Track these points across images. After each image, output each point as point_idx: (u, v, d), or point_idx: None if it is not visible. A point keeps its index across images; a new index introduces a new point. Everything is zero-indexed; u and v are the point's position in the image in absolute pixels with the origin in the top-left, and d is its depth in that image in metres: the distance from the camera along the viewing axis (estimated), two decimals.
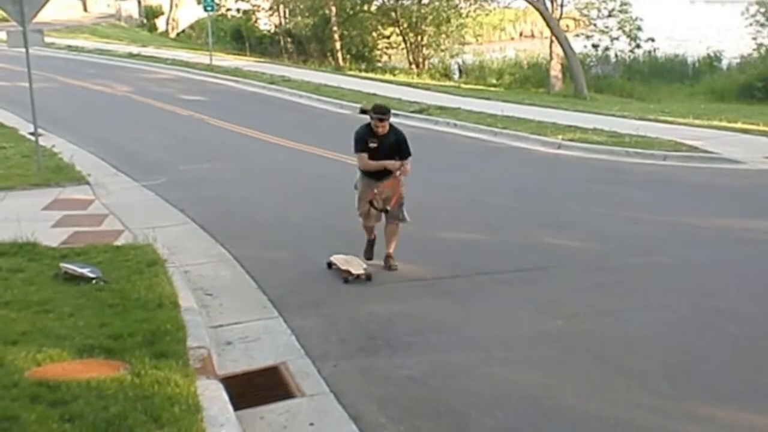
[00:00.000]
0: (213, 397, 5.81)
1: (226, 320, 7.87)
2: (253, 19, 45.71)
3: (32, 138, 15.36)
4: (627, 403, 6.14)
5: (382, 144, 9.34)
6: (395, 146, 9.40)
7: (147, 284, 8.19)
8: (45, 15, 42.81)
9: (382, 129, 9.29)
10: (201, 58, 35.20)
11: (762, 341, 7.31)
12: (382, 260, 9.52)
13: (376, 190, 9.41)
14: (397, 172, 9.35)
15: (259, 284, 8.93)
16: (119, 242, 10.25)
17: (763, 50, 35.79)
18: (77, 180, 14.10)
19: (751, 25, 35.83)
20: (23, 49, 14.23)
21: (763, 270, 9.48)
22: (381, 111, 9.42)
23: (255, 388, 6.34)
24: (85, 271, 8.44)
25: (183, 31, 53.94)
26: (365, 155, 9.39)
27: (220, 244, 10.51)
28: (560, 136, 18.09)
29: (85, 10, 59.89)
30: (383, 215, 9.58)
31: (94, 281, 8.29)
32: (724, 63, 38.31)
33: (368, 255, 9.72)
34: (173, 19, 54.12)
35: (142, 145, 17.76)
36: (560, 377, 6.57)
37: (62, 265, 8.65)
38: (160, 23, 55.22)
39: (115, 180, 14.45)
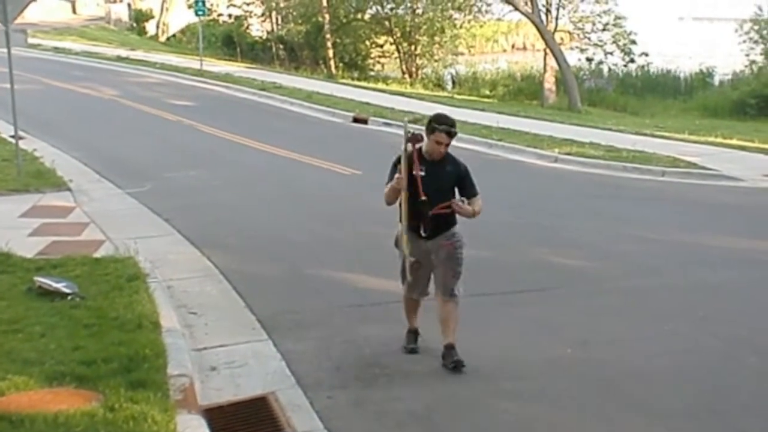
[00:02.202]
0: None
1: (211, 342, 7.32)
2: (245, 25, 45.18)
3: (13, 141, 14.81)
4: None
5: (433, 173, 6.73)
6: (451, 180, 6.82)
7: (126, 301, 7.62)
8: (32, 16, 42.53)
9: (443, 149, 6.74)
10: (191, 62, 34.71)
11: None
12: (441, 354, 6.92)
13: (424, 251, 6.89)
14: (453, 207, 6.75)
15: (246, 302, 8.38)
16: (99, 254, 9.70)
17: (755, 67, 35.73)
18: (58, 186, 13.54)
19: (744, 42, 35.71)
20: (5, 50, 13.70)
21: None
22: (449, 122, 6.77)
23: (241, 422, 5.78)
24: (61, 286, 7.88)
25: (173, 35, 53.36)
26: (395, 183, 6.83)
27: (206, 257, 9.97)
28: (557, 150, 17.77)
29: (74, 12, 59.22)
30: (430, 287, 7.13)
31: (69, 297, 7.73)
32: (716, 79, 38.27)
33: (411, 344, 7.21)
34: (164, 23, 53.53)
35: (127, 151, 17.22)
36: (575, 413, 6.06)
37: (36, 278, 8.10)
38: (150, 27, 54.63)
39: (98, 186, 13.91)
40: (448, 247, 6.89)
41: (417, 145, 6.78)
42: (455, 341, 6.86)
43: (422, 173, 6.73)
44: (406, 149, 6.74)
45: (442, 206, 6.76)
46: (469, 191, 6.90)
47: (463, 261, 6.95)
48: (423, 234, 6.82)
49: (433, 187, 6.73)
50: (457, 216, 6.91)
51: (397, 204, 6.93)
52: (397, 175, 6.78)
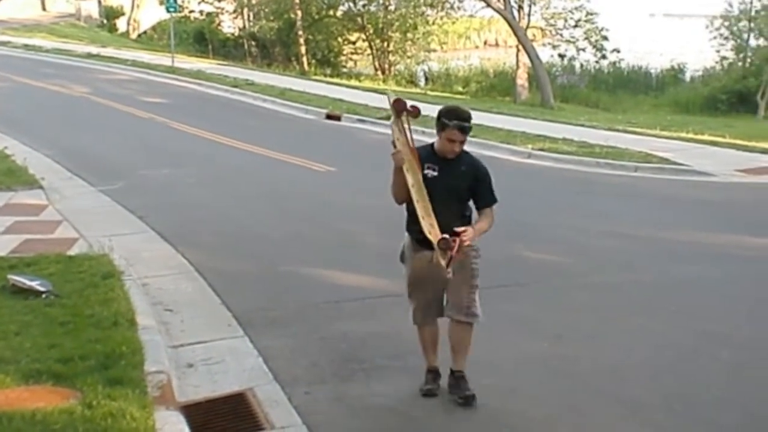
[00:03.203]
0: (173, 431, 5.27)
1: (187, 339, 7.29)
2: (217, 21, 45.01)
3: None
4: None
5: (444, 174, 5.83)
6: (466, 182, 5.89)
7: (102, 299, 7.58)
8: (2, 13, 41.91)
9: (457, 148, 5.82)
10: (162, 59, 34.50)
11: (758, 369, 6.91)
12: (447, 383, 6.20)
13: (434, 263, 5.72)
14: (452, 246, 5.55)
15: (222, 299, 8.36)
16: (73, 251, 9.63)
17: (726, 63, 36.11)
18: (30, 184, 13.39)
19: (715, 38, 36.07)
20: None
21: (749, 289, 9.12)
22: (461, 115, 5.81)
23: (219, 419, 5.77)
24: (35, 284, 7.82)
25: (144, 32, 53.01)
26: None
27: (180, 254, 9.93)
28: (530, 146, 17.84)
29: (44, 9, 58.61)
30: (443, 310, 6.15)
31: (44, 295, 7.67)
32: (687, 75, 38.66)
33: (429, 384, 6.23)
34: (134, 20, 53.16)
35: (99, 148, 17.10)
36: (550, 407, 6.10)
37: (10, 276, 8.02)
38: (121, 24, 54.22)
39: (71, 184, 13.79)
40: (461, 257, 5.77)
41: (404, 113, 5.81)
42: (464, 368, 6.13)
43: (434, 173, 5.81)
44: (395, 118, 5.86)
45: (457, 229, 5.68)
46: (484, 199, 5.96)
47: (479, 274, 6.06)
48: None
49: (445, 189, 5.81)
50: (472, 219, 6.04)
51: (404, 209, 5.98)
52: (392, 151, 5.81)
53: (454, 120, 5.76)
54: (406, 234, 6.09)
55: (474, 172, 5.92)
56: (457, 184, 5.87)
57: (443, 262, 5.60)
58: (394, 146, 5.82)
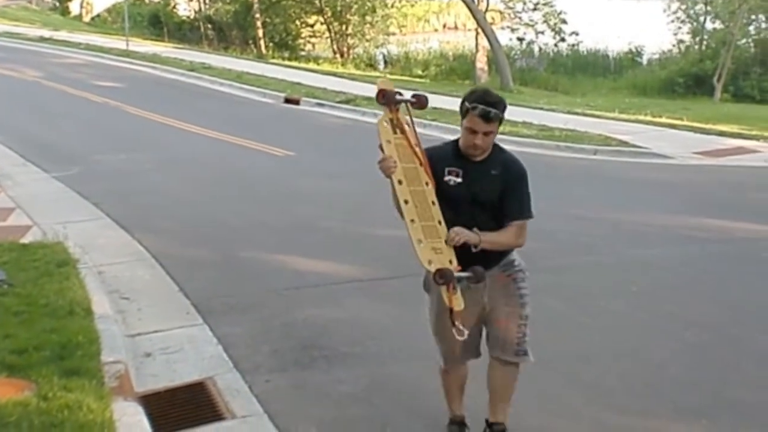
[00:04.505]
0: (131, 423, 5.11)
1: (145, 328, 7.14)
2: (172, 4, 44.45)
3: None
4: (588, 420, 5.68)
5: (470, 181, 4.58)
6: (496, 189, 4.60)
7: (57, 288, 7.38)
8: None
9: (479, 141, 4.49)
10: (117, 43, 33.98)
11: (718, 349, 6.96)
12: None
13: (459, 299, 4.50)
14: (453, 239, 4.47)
15: (180, 286, 8.20)
16: (27, 239, 9.42)
17: (683, 47, 36.41)
18: None
19: (672, 21, 36.34)
20: None
21: (709, 270, 9.20)
22: (487, 99, 4.48)
23: (178, 408, 5.64)
24: None
25: (98, 15, 52.18)
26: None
27: (137, 241, 9.74)
28: None
29: None
30: (479, 350, 5.06)
31: None
32: (645, 58, 38.91)
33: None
34: (87, 3, 52.28)
35: (53, 134, 16.80)
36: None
37: None
38: (74, 7, 53.30)
39: (23, 170, 13.53)
40: (503, 281, 4.81)
41: (397, 107, 4.61)
42: (506, 419, 5.07)
43: (457, 179, 4.58)
44: (384, 114, 4.66)
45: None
46: (508, 207, 4.63)
47: (530, 301, 4.94)
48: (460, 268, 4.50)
49: (471, 201, 4.60)
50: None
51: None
52: (379, 158, 4.61)
53: (476, 105, 4.43)
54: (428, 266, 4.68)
55: (504, 176, 4.60)
56: (487, 194, 4.61)
57: (446, 298, 4.45)
58: (382, 151, 4.60)
